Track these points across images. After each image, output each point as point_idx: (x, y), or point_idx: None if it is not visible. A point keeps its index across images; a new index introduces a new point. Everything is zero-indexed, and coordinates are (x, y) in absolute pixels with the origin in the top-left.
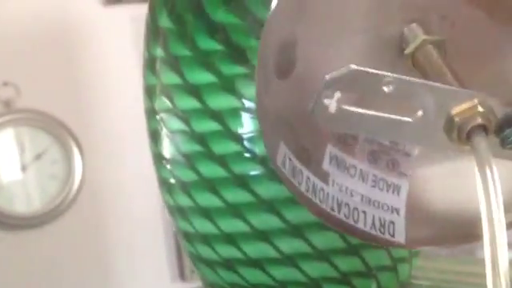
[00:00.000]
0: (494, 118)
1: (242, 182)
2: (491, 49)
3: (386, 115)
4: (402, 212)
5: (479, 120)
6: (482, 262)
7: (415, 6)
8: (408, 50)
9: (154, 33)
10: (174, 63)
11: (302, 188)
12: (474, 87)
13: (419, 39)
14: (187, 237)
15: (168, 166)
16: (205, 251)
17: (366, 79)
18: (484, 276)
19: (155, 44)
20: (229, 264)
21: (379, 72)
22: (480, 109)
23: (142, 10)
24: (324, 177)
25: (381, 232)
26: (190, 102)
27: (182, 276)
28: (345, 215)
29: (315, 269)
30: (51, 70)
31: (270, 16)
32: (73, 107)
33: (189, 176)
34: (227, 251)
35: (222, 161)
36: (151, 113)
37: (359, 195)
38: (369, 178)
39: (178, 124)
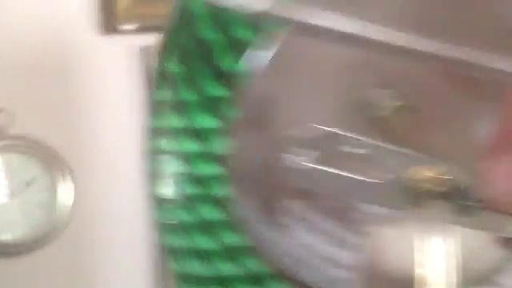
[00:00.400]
0: (451, 185)
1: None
2: (456, 116)
3: (351, 175)
4: (354, 270)
5: (437, 187)
6: None
7: (386, 73)
8: (380, 114)
9: (161, 76)
10: (181, 107)
11: (261, 243)
12: (437, 151)
13: (392, 105)
14: (184, 279)
15: (167, 207)
16: None
17: (341, 142)
18: None
19: (162, 87)
20: None
21: (355, 136)
22: (439, 176)
23: (139, 40)
24: (282, 231)
25: None
26: (194, 146)
27: None
28: (298, 270)
29: None
30: (47, 97)
31: (251, 73)
32: (66, 135)
33: (188, 218)
34: None
35: (221, 204)
36: (153, 153)
37: (314, 250)
38: (325, 233)
39: (178, 166)
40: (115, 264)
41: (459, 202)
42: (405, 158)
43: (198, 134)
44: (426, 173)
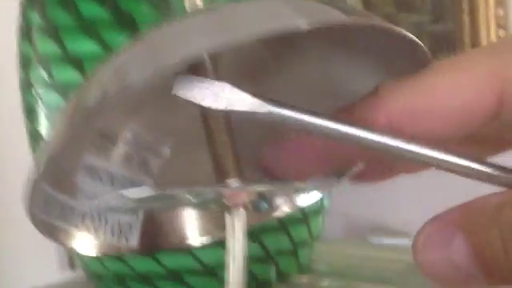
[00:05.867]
0: (254, 193)
1: None
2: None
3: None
4: (141, 214)
5: (242, 204)
6: (374, 246)
7: None
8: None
9: None
10: (53, 30)
11: (54, 218)
12: None
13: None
14: None
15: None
16: None
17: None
18: (377, 259)
19: (31, 8)
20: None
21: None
22: (245, 195)
23: None
24: (74, 191)
25: (118, 238)
26: (70, 74)
27: (72, 264)
28: (87, 227)
29: (213, 253)
30: None
31: None
32: None
33: None
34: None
35: None
36: (26, 86)
37: (105, 200)
38: (118, 180)
39: (56, 99)
40: (15, 220)
41: (258, 206)
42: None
43: (75, 61)
44: (235, 193)
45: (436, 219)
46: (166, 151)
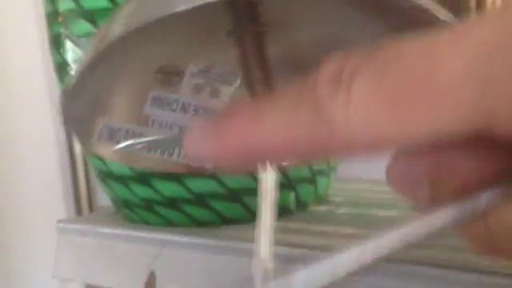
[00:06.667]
0: None
1: None
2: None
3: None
4: None
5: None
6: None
7: None
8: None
9: None
10: None
11: (122, 145)
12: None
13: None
14: None
15: (73, 74)
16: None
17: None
18: (392, 192)
19: None
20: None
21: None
22: None
23: None
24: (144, 121)
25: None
26: (99, 1)
27: (79, 212)
28: (161, 152)
29: (238, 179)
30: None
31: None
32: None
33: None
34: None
35: None
36: (53, 17)
37: (178, 127)
38: (190, 108)
39: (84, 26)
40: (22, 169)
41: None
42: None
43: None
44: None
45: (407, 159)
46: (236, 80)
